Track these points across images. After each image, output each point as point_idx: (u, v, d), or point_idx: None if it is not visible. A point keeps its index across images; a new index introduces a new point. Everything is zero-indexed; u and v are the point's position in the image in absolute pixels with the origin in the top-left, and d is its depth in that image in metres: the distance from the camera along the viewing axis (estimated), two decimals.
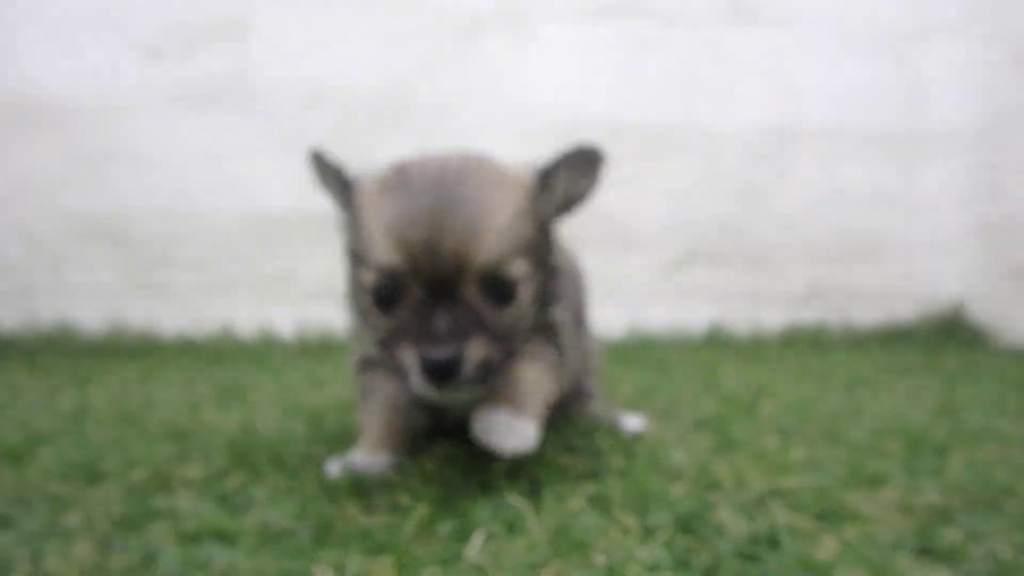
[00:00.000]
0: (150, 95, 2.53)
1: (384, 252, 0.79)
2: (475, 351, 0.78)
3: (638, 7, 2.78)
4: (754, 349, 2.56)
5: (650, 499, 0.84)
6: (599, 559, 0.66)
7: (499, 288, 0.81)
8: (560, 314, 0.98)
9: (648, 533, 0.74)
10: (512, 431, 0.86)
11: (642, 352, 2.37)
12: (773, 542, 0.70)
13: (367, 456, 0.95)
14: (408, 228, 0.77)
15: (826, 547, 0.70)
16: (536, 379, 0.94)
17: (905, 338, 2.74)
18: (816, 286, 2.93)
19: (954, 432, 1.19)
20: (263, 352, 2.37)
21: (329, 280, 2.55)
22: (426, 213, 0.77)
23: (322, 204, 2.90)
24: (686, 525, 0.76)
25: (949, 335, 2.74)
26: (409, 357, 0.78)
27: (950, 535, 0.74)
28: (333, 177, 0.90)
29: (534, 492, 0.86)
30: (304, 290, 2.62)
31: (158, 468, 0.94)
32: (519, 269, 0.82)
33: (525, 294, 0.84)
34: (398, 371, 0.81)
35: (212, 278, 2.60)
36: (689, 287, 2.86)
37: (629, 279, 2.83)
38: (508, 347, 0.84)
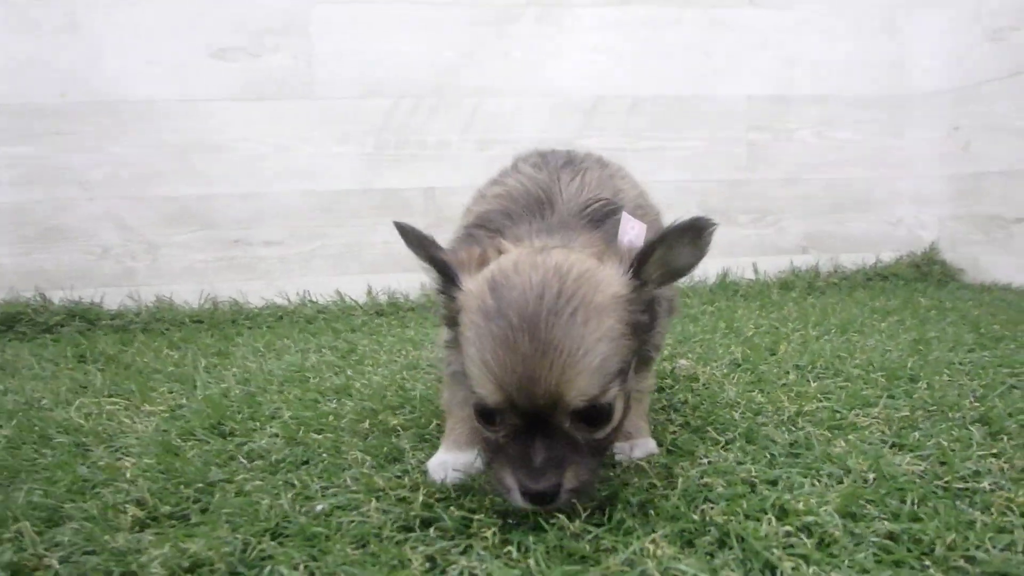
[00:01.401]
0: (223, 90, 2.84)
1: (482, 387, 0.85)
2: (571, 479, 0.85)
3: None
4: (758, 294, 2.98)
5: (719, 422, 1.26)
6: (703, 461, 1.08)
7: (594, 415, 0.87)
8: (659, 331, 1.08)
9: (727, 444, 1.16)
10: (635, 449, 1.11)
11: None
12: (807, 446, 1.12)
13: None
14: (504, 372, 0.83)
15: (838, 447, 1.12)
16: (639, 401, 1.13)
17: (888, 279, 3.17)
18: (812, 235, 3.34)
19: (922, 365, 1.61)
20: (341, 316, 2.76)
21: (391, 249, 2.93)
22: (521, 360, 0.82)
23: (380, 182, 3.23)
24: (747, 437, 1.18)
25: (926, 275, 3.18)
26: (509, 479, 0.85)
27: (914, 436, 1.16)
28: (426, 258, 0.95)
29: None
30: (369, 259, 3.00)
31: (371, 419, 1.34)
32: (613, 393, 0.87)
33: (619, 407, 0.90)
34: (498, 482, 0.87)
35: (288, 253, 2.97)
36: None
37: None
38: (602, 459, 0.94)
